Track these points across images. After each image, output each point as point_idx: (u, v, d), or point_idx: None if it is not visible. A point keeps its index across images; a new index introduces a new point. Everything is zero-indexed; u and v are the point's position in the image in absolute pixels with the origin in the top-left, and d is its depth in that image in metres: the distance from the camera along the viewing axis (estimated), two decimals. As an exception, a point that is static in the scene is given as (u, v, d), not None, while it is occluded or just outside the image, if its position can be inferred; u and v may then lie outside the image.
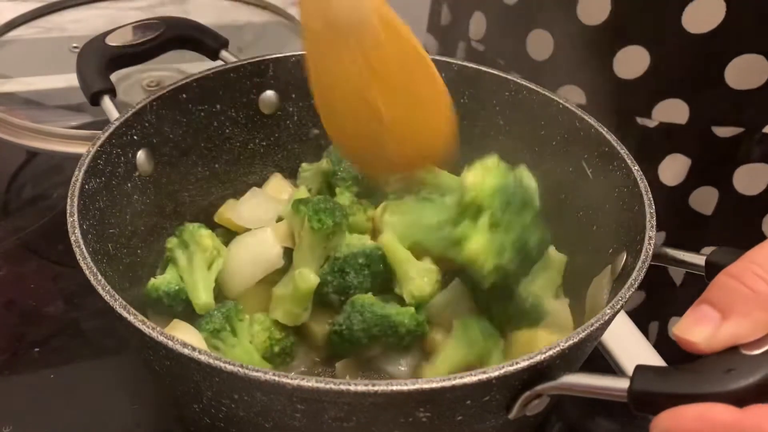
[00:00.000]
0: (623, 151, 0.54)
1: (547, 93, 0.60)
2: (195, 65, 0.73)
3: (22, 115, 0.79)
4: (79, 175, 0.50)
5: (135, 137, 0.56)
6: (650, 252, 0.46)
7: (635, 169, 0.52)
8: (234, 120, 0.64)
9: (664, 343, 0.74)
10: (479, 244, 0.49)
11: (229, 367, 0.37)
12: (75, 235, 0.46)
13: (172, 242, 0.57)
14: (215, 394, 0.41)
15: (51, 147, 0.74)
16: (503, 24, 0.77)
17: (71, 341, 0.62)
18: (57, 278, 0.68)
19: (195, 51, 0.67)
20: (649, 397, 0.36)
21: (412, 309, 0.53)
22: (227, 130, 0.64)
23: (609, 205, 0.54)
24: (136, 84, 0.88)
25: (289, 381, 0.37)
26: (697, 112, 0.67)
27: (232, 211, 0.61)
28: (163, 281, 0.55)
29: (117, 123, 0.55)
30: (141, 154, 0.57)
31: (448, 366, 0.52)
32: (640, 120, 0.69)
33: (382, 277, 0.55)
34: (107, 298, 0.42)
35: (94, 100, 0.59)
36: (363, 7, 0.49)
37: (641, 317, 0.65)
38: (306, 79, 0.64)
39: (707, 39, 0.63)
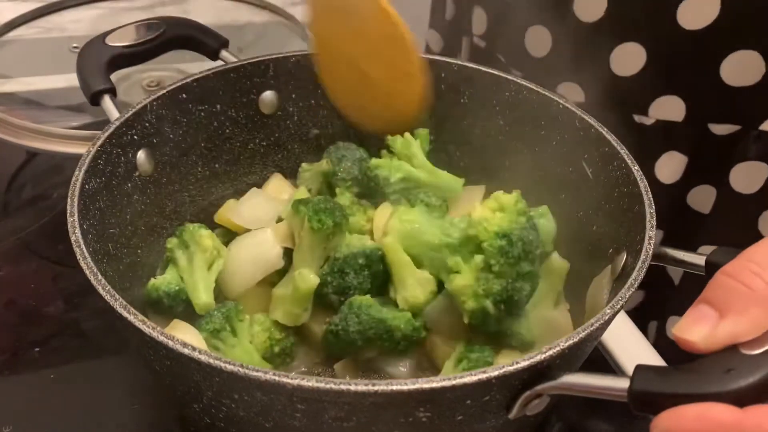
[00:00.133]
0: (623, 151, 0.54)
1: (547, 93, 0.60)
2: (195, 65, 0.73)
3: (22, 115, 0.79)
4: (79, 175, 0.50)
5: (135, 137, 0.56)
6: (650, 252, 0.46)
7: (635, 169, 0.52)
8: (234, 120, 0.64)
9: (662, 343, 0.74)
10: (465, 282, 0.49)
11: (229, 367, 0.37)
12: (75, 235, 0.46)
13: (172, 242, 0.57)
14: (215, 393, 0.41)
15: (51, 147, 0.74)
16: (502, 20, 0.77)
17: (71, 341, 0.62)
18: (57, 278, 0.68)
19: (195, 51, 0.67)
20: (649, 396, 0.36)
21: (409, 314, 0.53)
22: (227, 130, 0.64)
23: (609, 205, 0.54)
24: (136, 84, 0.88)
25: (289, 381, 0.37)
26: (694, 109, 0.67)
27: (232, 212, 0.61)
28: (163, 281, 0.55)
29: (117, 123, 0.55)
30: (141, 154, 0.57)
31: None
32: (637, 118, 0.69)
33: (382, 278, 0.55)
34: (107, 297, 0.42)
35: (95, 100, 0.59)
36: None
37: (640, 317, 0.65)
38: (306, 80, 0.65)
39: (702, 35, 0.63)
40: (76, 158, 0.52)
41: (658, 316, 0.76)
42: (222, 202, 0.64)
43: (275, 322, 0.55)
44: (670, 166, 0.70)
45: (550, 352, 0.39)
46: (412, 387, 0.37)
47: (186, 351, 0.38)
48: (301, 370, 0.56)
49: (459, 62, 0.64)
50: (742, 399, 0.34)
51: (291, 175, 0.67)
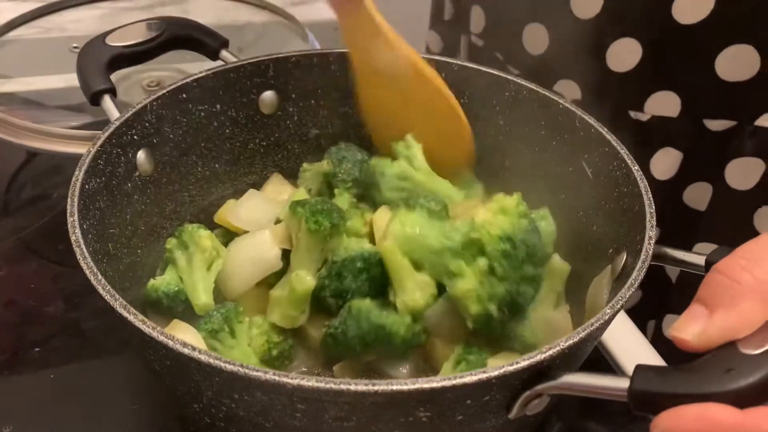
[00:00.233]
0: (623, 151, 0.54)
1: (547, 93, 0.60)
2: (195, 65, 0.73)
3: (22, 115, 0.79)
4: (79, 175, 0.50)
5: (135, 137, 0.56)
6: (650, 252, 0.46)
7: (635, 169, 0.52)
8: (234, 120, 0.64)
9: (660, 341, 0.74)
10: (468, 286, 0.49)
11: (230, 367, 0.37)
12: (75, 235, 0.46)
13: (171, 243, 0.57)
14: (215, 393, 0.41)
15: (51, 147, 0.74)
16: (500, 18, 0.77)
17: (71, 341, 0.62)
18: (57, 278, 0.68)
19: (195, 51, 0.67)
20: (649, 396, 0.36)
21: (409, 320, 0.53)
22: (227, 130, 0.64)
23: (609, 205, 0.54)
24: (136, 84, 0.88)
25: (289, 381, 0.37)
26: (689, 105, 0.67)
27: (229, 213, 0.61)
28: (162, 282, 0.55)
29: (117, 123, 0.55)
30: (141, 154, 0.57)
31: None
32: (633, 114, 0.70)
33: (381, 282, 0.55)
34: (107, 297, 0.42)
35: (95, 100, 0.59)
36: (400, 60, 0.60)
37: (638, 316, 0.65)
38: (306, 80, 0.65)
39: (697, 29, 0.63)
40: (76, 158, 0.52)
41: (656, 314, 0.76)
42: (222, 202, 0.64)
43: (273, 325, 0.55)
44: (666, 163, 0.71)
45: (550, 352, 0.39)
46: (412, 387, 0.37)
47: (186, 351, 0.38)
48: (301, 370, 0.56)
49: (459, 62, 0.64)
50: (742, 399, 0.34)
51: (291, 175, 0.67)
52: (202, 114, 0.62)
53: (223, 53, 0.66)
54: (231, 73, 0.62)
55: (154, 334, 0.39)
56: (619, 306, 0.43)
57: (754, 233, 0.44)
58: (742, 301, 0.36)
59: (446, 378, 0.37)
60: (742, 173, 0.68)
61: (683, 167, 0.71)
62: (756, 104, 0.65)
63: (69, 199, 0.48)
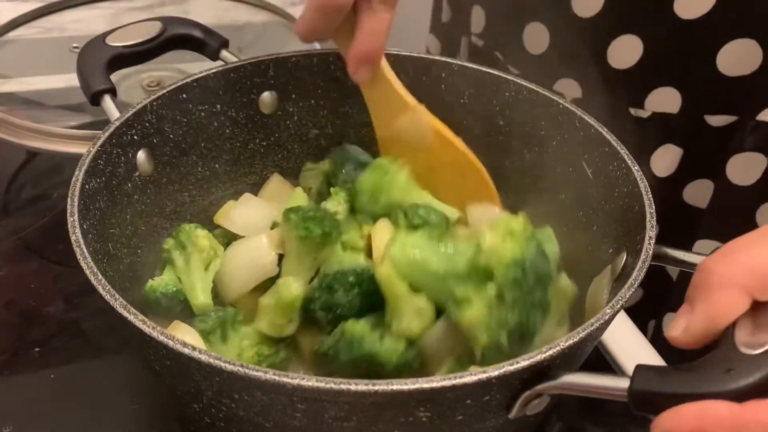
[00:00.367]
0: (623, 151, 0.54)
1: (547, 93, 0.60)
2: (195, 65, 0.73)
3: (22, 115, 0.79)
4: (79, 175, 0.50)
5: (135, 137, 0.56)
6: (650, 252, 0.46)
7: (635, 169, 0.52)
8: (234, 120, 0.64)
9: (661, 341, 0.74)
10: (478, 315, 0.47)
11: (230, 367, 0.37)
12: (75, 235, 0.46)
13: (169, 243, 0.57)
14: (215, 393, 0.41)
15: (51, 147, 0.74)
16: (500, 17, 0.77)
17: (71, 341, 0.62)
18: (57, 278, 0.68)
19: (195, 51, 0.67)
20: (649, 396, 0.36)
21: (402, 347, 0.51)
22: (227, 130, 0.64)
23: (609, 205, 0.54)
24: (136, 84, 0.88)
25: (289, 380, 0.37)
26: (690, 101, 0.67)
27: (224, 218, 0.61)
28: (160, 282, 0.55)
29: (117, 123, 0.55)
30: (141, 154, 0.57)
31: None
32: (633, 111, 0.69)
33: (373, 299, 0.52)
34: (107, 297, 0.42)
35: (95, 100, 0.59)
36: (421, 127, 0.60)
37: (639, 315, 0.65)
38: (306, 80, 0.65)
39: (699, 24, 0.63)
40: (76, 158, 0.51)
41: (656, 314, 0.76)
42: (222, 202, 0.64)
43: (266, 337, 0.53)
44: (666, 159, 0.71)
45: (550, 352, 0.39)
46: (412, 387, 0.37)
47: (186, 351, 0.38)
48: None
49: (459, 62, 0.64)
50: (741, 399, 0.34)
51: (291, 175, 0.67)
52: (202, 114, 0.62)
53: (223, 53, 0.66)
54: (231, 73, 0.62)
55: (154, 334, 0.39)
56: (619, 306, 0.43)
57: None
58: (718, 291, 0.37)
59: (446, 378, 0.37)
60: (743, 169, 0.68)
61: (684, 164, 0.70)
62: (758, 99, 0.65)
63: (69, 199, 0.48)
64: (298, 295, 0.53)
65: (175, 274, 0.56)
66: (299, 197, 0.63)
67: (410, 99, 0.60)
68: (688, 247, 0.69)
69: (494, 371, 0.38)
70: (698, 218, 0.72)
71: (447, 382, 0.37)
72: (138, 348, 0.46)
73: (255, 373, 0.37)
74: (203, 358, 0.38)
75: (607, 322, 0.43)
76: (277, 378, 0.37)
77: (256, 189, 0.67)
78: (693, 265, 0.48)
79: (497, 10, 0.77)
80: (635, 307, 0.77)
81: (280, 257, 0.55)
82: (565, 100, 0.59)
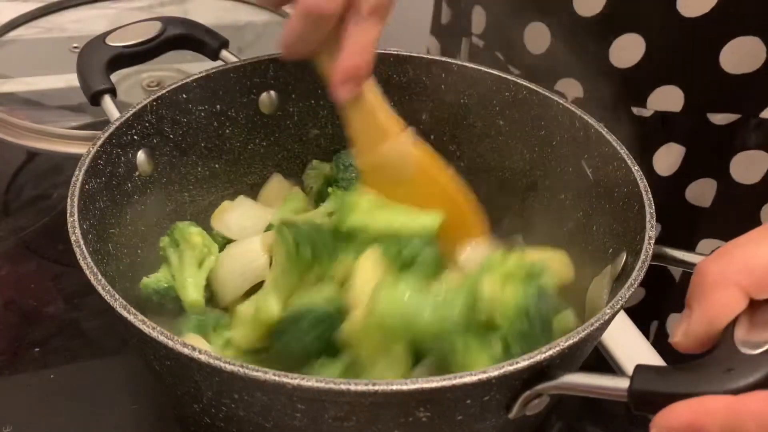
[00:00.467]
0: (623, 151, 0.54)
1: (547, 93, 0.60)
2: (195, 65, 0.73)
3: (22, 115, 0.79)
4: (79, 175, 0.50)
5: (135, 137, 0.56)
6: (650, 252, 0.46)
7: (635, 169, 0.52)
8: (234, 120, 0.64)
9: (663, 341, 0.74)
10: (483, 366, 0.42)
11: (230, 367, 0.37)
12: (75, 235, 0.46)
13: (164, 241, 0.57)
14: (215, 393, 0.41)
15: (51, 147, 0.74)
16: (501, 18, 0.77)
17: (71, 341, 0.62)
18: (57, 278, 0.68)
19: (195, 51, 0.67)
20: (649, 396, 0.36)
21: None
22: (227, 130, 0.64)
23: (609, 205, 0.54)
24: (136, 84, 0.88)
25: (289, 381, 0.37)
26: (692, 99, 0.67)
27: (218, 222, 0.61)
28: (153, 280, 0.55)
29: (117, 123, 0.55)
30: (141, 154, 0.57)
31: None
32: (635, 110, 0.69)
33: (336, 345, 0.48)
34: (107, 298, 0.42)
35: (95, 100, 0.59)
36: (405, 158, 0.56)
37: (642, 315, 0.65)
38: (306, 80, 0.65)
39: (702, 22, 0.63)
40: (76, 158, 0.51)
41: (659, 314, 0.76)
42: (221, 202, 0.64)
43: (248, 351, 0.51)
44: (669, 158, 0.70)
45: (550, 352, 0.39)
46: (412, 387, 0.37)
47: (186, 351, 0.38)
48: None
49: (459, 62, 0.64)
50: (741, 399, 0.34)
51: (291, 175, 0.67)
52: (202, 114, 0.62)
53: (223, 53, 0.65)
54: (231, 73, 0.62)
55: (154, 334, 0.39)
56: (619, 306, 0.43)
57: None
58: (714, 291, 0.37)
59: (446, 378, 0.37)
60: (747, 167, 0.68)
61: (687, 163, 0.70)
62: (761, 96, 0.65)
63: (69, 200, 0.48)
64: (275, 317, 0.50)
65: (170, 271, 0.56)
66: (298, 198, 0.63)
67: (396, 125, 0.56)
68: (691, 247, 0.69)
69: (494, 371, 0.38)
70: (701, 217, 0.72)
71: (447, 382, 0.37)
72: (138, 348, 0.46)
73: (255, 373, 0.37)
74: (203, 358, 0.38)
75: (607, 322, 0.43)
76: (277, 378, 0.37)
77: (256, 189, 0.67)
78: (693, 265, 0.48)
79: (498, 11, 0.77)
80: (637, 307, 0.77)
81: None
82: (565, 100, 0.59)
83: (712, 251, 0.40)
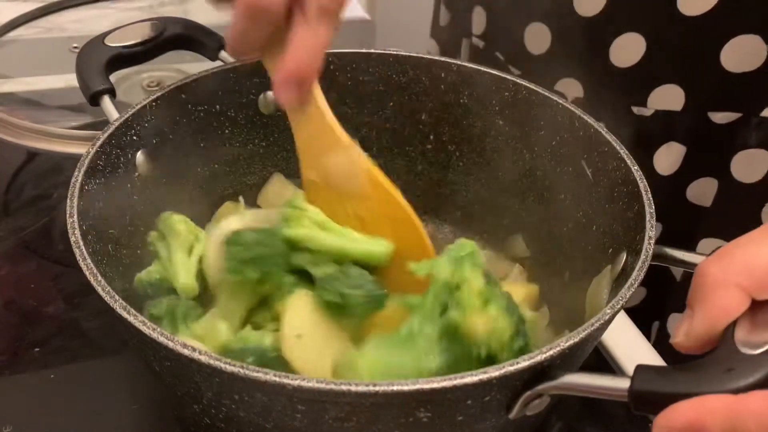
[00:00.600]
0: (623, 151, 0.54)
1: (546, 93, 0.60)
2: (195, 65, 0.73)
3: (22, 115, 0.79)
4: (78, 176, 0.50)
5: (135, 138, 0.56)
6: (650, 252, 0.46)
7: (635, 169, 0.52)
8: (234, 120, 0.64)
9: (664, 342, 0.74)
10: None
11: (230, 368, 0.37)
12: (75, 236, 0.46)
13: (152, 236, 0.57)
14: (215, 394, 0.41)
15: (51, 147, 0.74)
16: (502, 18, 0.77)
17: (71, 341, 0.62)
18: (57, 278, 0.68)
19: (195, 51, 0.67)
20: (649, 396, 0.36)
21: None
22: (227, 130, 0.64)
23: (609, 205, 0.54)
24: (136, 84, 0.88)
25: (289, 381, 0.37)
26: (693, 98, 0.67)
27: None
28: (146, 274, 0.55)
29: (117, 123, 0.55)
30: (141, 155, 0.57)
31: None
32: (636, 109, 0.69)
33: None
34: (107, 298, 0.42)
35: (94, 100, 0.59)
36: (354, 169, 0.53)
37: (643, 315, 0.65)
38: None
39: (703, 20, 0.63)
40: (76, 158, 0.52)
41: (660, 314, 0.76)
42: (221, 202, 0.64)
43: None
44: (669, 158, 0.70)
45: (551, 352, 0.39)
46: (412, 387, 0.37)
47: (186, 352, 0.38)
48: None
49: (458, 62, 0.64)
50: (741, 399, 0.34)
51: (291, 175, 0.67)
52: (202, 114, 0.62)
53: (222, 54, 0.65)
54: (231, 73, 0.62)
55: (154, 335, 0.39)
56: (619, 306, 0.43)
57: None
58: (716, 292, 0.37)
59: (447, 378, 0.37)
60: (748, 166, 0.68)
61: (687, 162, 0.70)
62: (762, 95, 0.65)
63: (69, 200, 0.48)
64: (223, 341, 0.50)
65: (162, 264, 0.56)
66: (298, 198, 0.63)
67: (344, 135, 0.54)
68: (692, 247, 0.69)
69: (494, 371, 0.38)
70: (702, 217, 0.72)
71: (447, 383, 0.37)
72: (138, 349, 0.46)
73: (255, 374, 0.37)
74: (203, 359, 0.38)
75: (607, 322, 0.43)
76: (277, 379, 0.37)
77: (255, 189, 0.67)
78: (693, 265, 0.48)
79: (498, 11, 0.77)
80: (638, 308, 0.77)
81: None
82: (565, 100, 0.59)
83: (713, 251, 0.40)
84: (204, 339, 0.51)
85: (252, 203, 0.66)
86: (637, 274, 0.45)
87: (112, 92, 0.59)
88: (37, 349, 0.60)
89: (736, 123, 0.67)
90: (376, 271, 0.52)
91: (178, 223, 0.56)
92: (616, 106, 0.69)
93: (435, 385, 0.37)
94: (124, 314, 0.41)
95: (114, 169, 0.54)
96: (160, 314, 0.52)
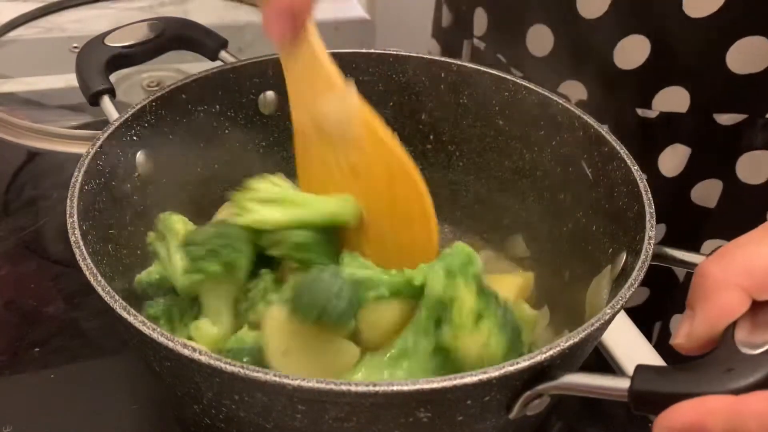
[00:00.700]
0: (623, 151, 0.54)
1: (546, 93, 0.60)
2: (195, 65, 0.73)
3: (22, 115, 0.79)
4: (78, 176, 0.50)
5: (135, 138, 0.56)
6: (650, 252, 0.46)
7: (635, 169, 0.52)
8: (234, 120, 0.64)
9: (667, 342, 0.74)
10: None
11: (230, 368, 0.37)
12: (75, 236, 0.46)
13: (151, 237, 0.57)
14: (216, 394, 0.41)
15: (51, 147, 0.74)
16: (503, 20, 0.77)
17: (71, 341, 0.62)
18: (57, 278, 0.68)
19: (195, 51, 0.67)
20: (649, 396, 0.36)
21: None
22: (227, 131, 0.64)
23: (609, 205, 0.54)
24: (136, 84, 0.88)
25: (289, 381, 0.37)
26: (698, 99, 0.67)
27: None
28: (145, 274, 0.55)
29: (117, 123, 0.55)
30: (140, 155, 0.57)
31: None
32: (640, 111, 0.69)
33: None
34: (107, 298, 0.42)
35: (94, 100, 0.59)
36: (350, 113, 0.50)
37: (645, 315, 0.65)
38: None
39: (708, 22, 0.63)
40: (76, 158, 0.51)
41: (663, 315, 0.76)
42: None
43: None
44: (674, 159, 0.70)
45: (551, 352, 0.39)
46: (412, 387, 0.37)
47: (186, 352, 0.38)
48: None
49: (458, 62, 0.64)
50: (742, 399, 0.34)
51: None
52: (202, 114, 0.62)
53: (222, 54, 0.66)
54: (230, 73, 0.62)
55: (154, 335, 0.39)
56: (619, 306, 0.43)
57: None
58: (717, 293, 0.37)
59: (446, 378, 0.37)
60: (753, 167, 0.67)
61: (692, 163, 0.70)
62: (767, 96, 0.65)
63: (68, 200, 0.48)
64: (214, 338, 0.50)
65: (161, 264, 0.56)
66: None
67: (339, 78, 0.50)
68: (696, 248, 0.69)
69: (494, 371, 0.38)
70: (707, 218, 0.71)
71: (447, 383, 0.37)
72: (138, 349, 0.46)
73: (255, 374, 0.37)
74: (203, 359, 0.38)
75: (607, 322, 0.43)
76: (277, 379, 0.37)
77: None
78: (693, 265, 0.48)
79: (500, 13, 0.77)
80: (641, 308, 0.77)
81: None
82: (565, 100, 0.59)
83: (713, 251, 0.40)
84: (197, 340, 0.51)
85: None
86: (637, 274, 0.45)
87: (112, 92, 0.59)
88: (37, 349, 0.60)
89: (741, 124, 0.67)
90: (362, 232, 0.50)
91: (176, 222, 0.55)
92: (620, 108, 0.69)
93: (435, 385, 0.37)
94: (124, 314, 0.41)
95: (114, 170, 0.54)
96: (157, 314, 0.52)
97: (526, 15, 0.73)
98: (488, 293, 0.45)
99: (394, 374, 0.45)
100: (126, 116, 0.56)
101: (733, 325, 0.37)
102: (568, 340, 0.39)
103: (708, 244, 0.71)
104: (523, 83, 0.61)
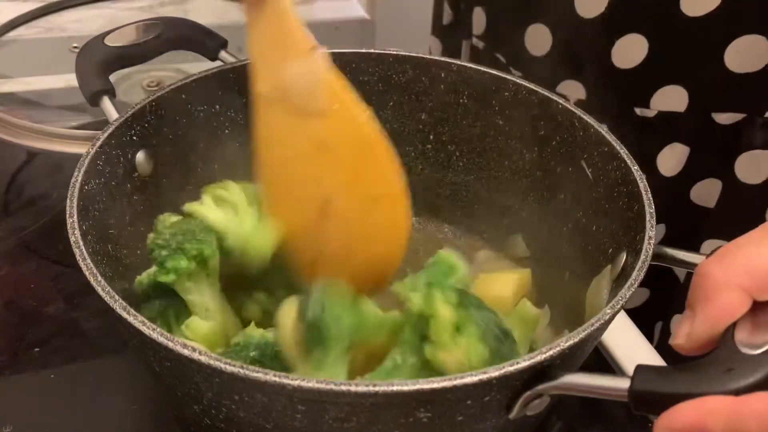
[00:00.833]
0: (623, 151, 0.54)
1: (546, 93, 0.60)
2: (195, 65, 0.73)
3: (22, 115, 0.79)
4: (78, 176, 0.50)
5: (134, 138, 0.56)
6: (650, 252, 0.46)
7: (635, 169, 0.52)
8: (233, 120, 0.64)
9: (667, 342, 0.74)
10: None
11: (230, 368, 0.37)
12: (75, 236, 0.46)
13: (150, 238, 0.57)
14: (216, 395, 0.41)
15: (51, 147, 0.74)
16: (502, 19, 0.77)
17: (71, 341, 0.62)
18: (57, 278, 0.68)
19: (194, 51, 0.67)
20: (649, 396, 0.36)
21: None
22: (227, 130, 0.64)
23: (609, 205, 0.54)
24: (136, 84, 0.88)
25: (289, 382, 0.37)
26: (697, 99, 0.67)
27: None
28: (145, 275, 0.55)
29: (116, 123, 0.55)
30: (140, 155, 0.57)
31: None
32: (639, 111, 0.69)
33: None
34: (107, 298, 0.42)
35: (94, 100, 0.59)
36: (317, 80, 0.47)
37: (646, 316, 0.65)
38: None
39: (706, 21, 0.63)
40: (76, 158, 0.51)
41: (663, 315, 0.76)
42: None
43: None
44: (673, 159, 0.70)
45: (551, 352, 0.39)
46: (412, 388, 0.37)
47: (186, 352, 0.38)
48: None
49: (458, 62, 0.64)
50: (742, 399, 0.34)
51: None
52: (202, 114, 0.62)
53: (222, 54, 0.65)
54: (230, 73, 0.62)
55: (155, 335, 0.39)
56: (619, 306, 0.43)
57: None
58: (717, 294, 0.37)
59: (447, 378, 0.37)
60: (752, 167, 0.67)
61: (691, 163, 0.70)
62: (766, 95, 0.65)
63: (68, 200, 0.48)
64: (210, 333, 0.50)
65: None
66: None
67: (306, 39, 0.46)
68: (695, 248, 0.69)
69: (494, 371, 0.38)
70: (706, 218, 0.71)
71: (447, 383, 0.37)
72: (138, 349, 0.46)
73: (255, 374, 0.37)
74: (203, 359, 0.38)
75: (607, 322, 0.43)
76: (277, 379, 0.37)
77: (256, 189, 0.66)
78: (693, 265, 0.48)
79: (498, 12, 0.77)
80: (641, 308, 0.77)
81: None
82: (564, 100, 0.59)
83: (712, 251, 0.40)
84: (192, 339, 0.51)
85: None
86: (637, 274, 0.45)
87: (111, 92, 0.59)
88: (37, 349, 0.60)
89: (740, 124, 0.67)
90: (323, 217, 0.47)
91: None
92: (619, 107, 0.69)
93: (435, 385, 0.37)
94: (124, 314, 0.41)
95: (114, 170, 0.54)
96: (152, 316, 0.52)
97: (524, 14, 0.73)
98: (469, 303, 0.44)
99: None
100: (126, 116, 0.56)
101: (733, 326, 0.37)
102: (568, 340, 0.40)
103: (708, 244, 0.71)
104: (523, 83, 0.61)
